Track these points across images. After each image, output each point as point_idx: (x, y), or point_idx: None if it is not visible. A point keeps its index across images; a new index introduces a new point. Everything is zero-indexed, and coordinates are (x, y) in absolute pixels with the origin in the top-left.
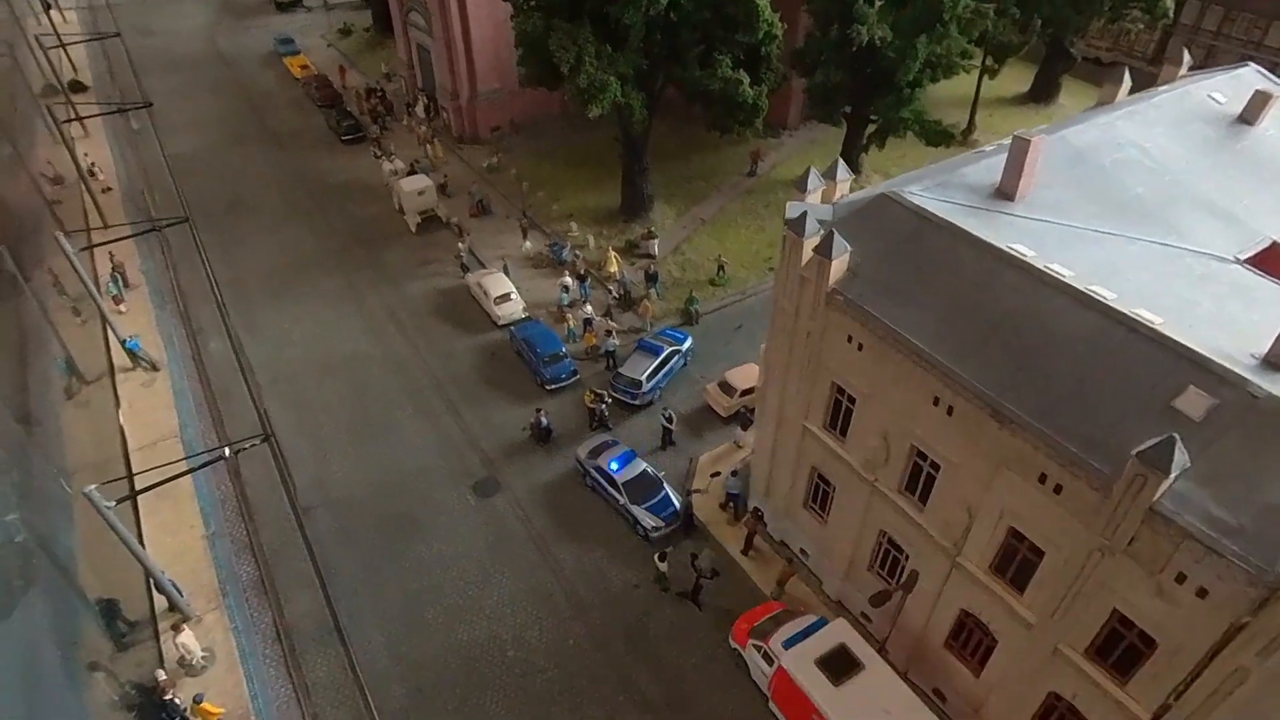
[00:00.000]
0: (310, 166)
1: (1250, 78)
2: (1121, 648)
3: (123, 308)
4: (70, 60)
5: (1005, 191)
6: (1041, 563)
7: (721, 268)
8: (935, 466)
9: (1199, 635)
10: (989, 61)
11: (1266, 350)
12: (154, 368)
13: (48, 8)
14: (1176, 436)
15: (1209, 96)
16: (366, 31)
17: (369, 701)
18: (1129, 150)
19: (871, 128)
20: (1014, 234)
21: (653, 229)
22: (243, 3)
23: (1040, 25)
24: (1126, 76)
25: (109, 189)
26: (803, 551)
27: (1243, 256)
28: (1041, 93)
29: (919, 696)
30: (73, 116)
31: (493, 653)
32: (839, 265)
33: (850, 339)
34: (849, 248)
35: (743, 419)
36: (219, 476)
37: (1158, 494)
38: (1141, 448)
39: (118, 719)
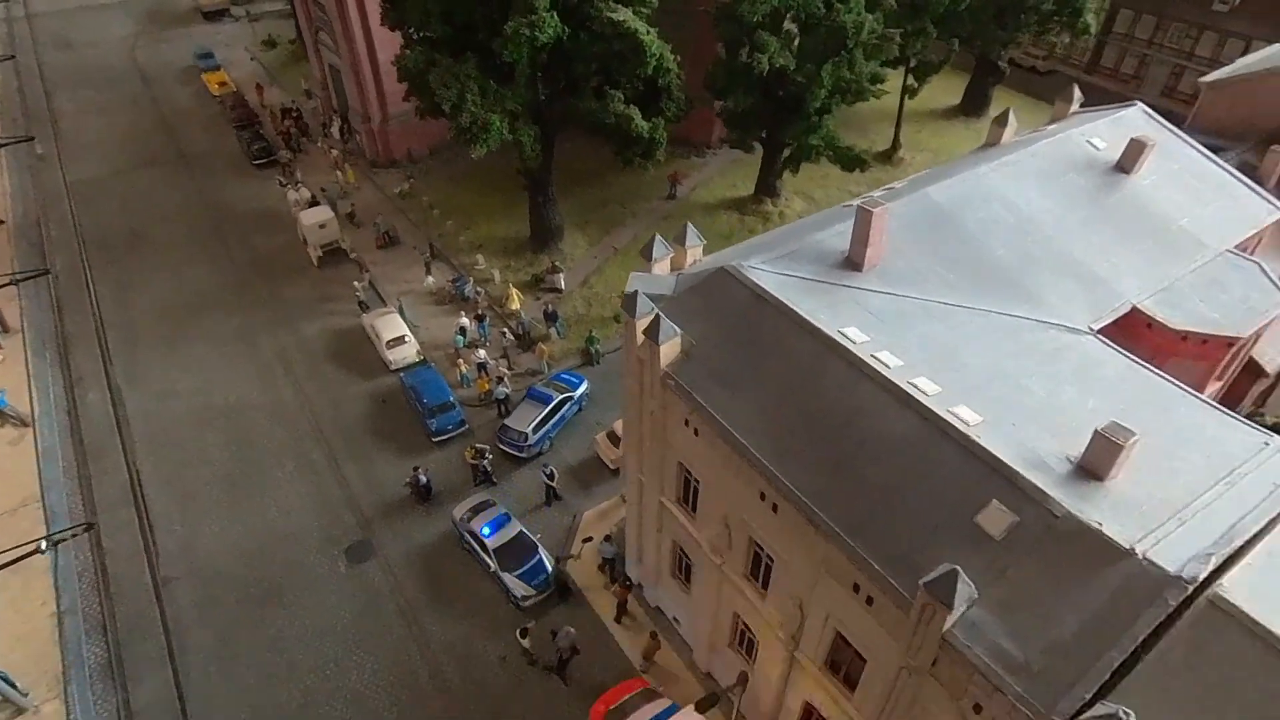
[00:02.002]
0: (218, 193)
1: (1134, 119)
2: None
3: (0, 355)
4: None
5: (854, 261)
6: (866, 669)
7: None
8: (770, 558)
9: None
10: (909, 81)
11: (1081, 455)
12: (22, 424)
13: None
14: (958, 570)
15: (1088, 142)
16: (291, 44)
17: None
18: (994, 207)
19: (786, 152)
20: (855, 313)
21: (557, 263)
22: (170, 10)
23: (958, 45)
24: (1011, 118)
25: (1, 222)
26: (675, 619)
27: (1097, 326)
28: (972, 106)
29: None
30: None
31: None
32: (669, 349)
33: (687, 423)
34: (678, 331)
35: None
36: (80, 547)
37: (947, 624)
38: (928, 578)
39: None
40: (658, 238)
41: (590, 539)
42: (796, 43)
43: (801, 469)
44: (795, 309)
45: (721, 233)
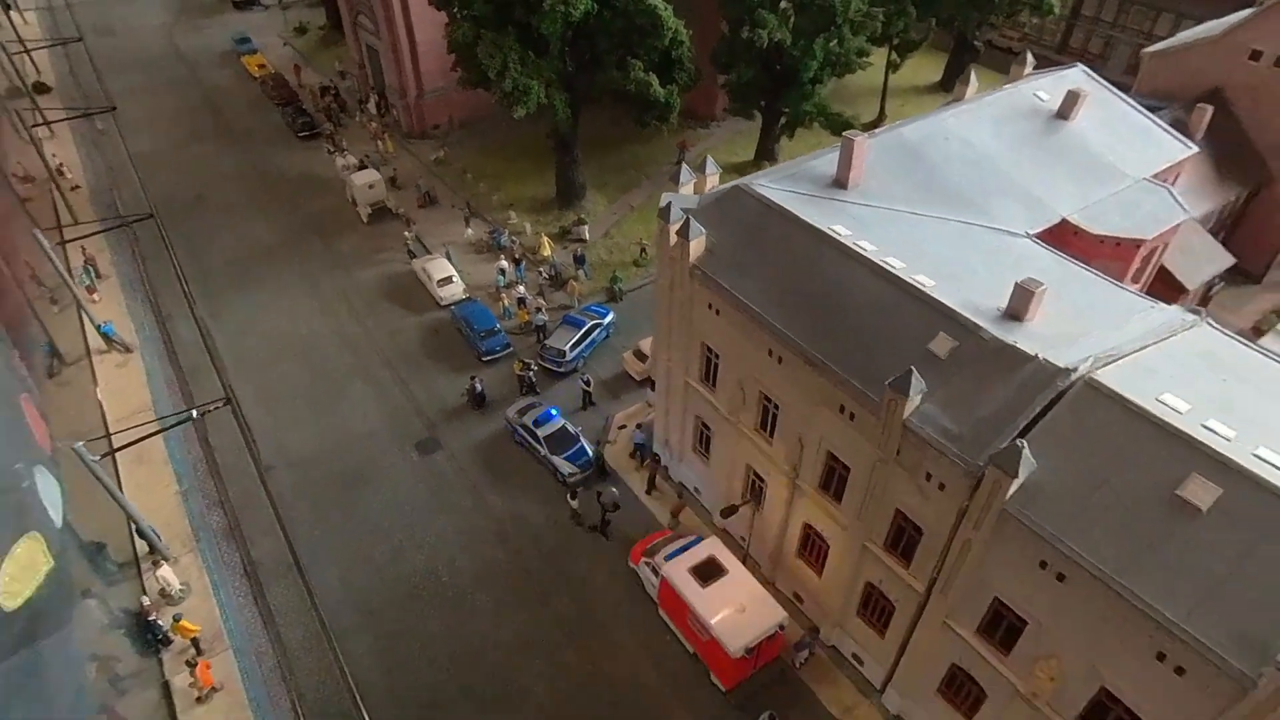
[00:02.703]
0: (267, 162)
1: (1075, 77)
2: (904, 539)
3: (96, 297)
4: (33, 62)
5: (840, 181)
6: (849, 477)
7: (644, 250)
8: (776, 406)
9: (944, 520)
10: (893, 56)
11: (1005, 305)
12: (127, 350)
13: (7, 9)
14: (913, 368)
15: (1034, 95)
16: (321, 30)
17: (324, 621)
18: (953, 144)
19: (783, 120)
20: (840, 217)
21: (583, 216)
22: (201, 1)
23: (935, 23)
24: (973, 76)
25: (77, 187)
26: (696, 490)
27: (1033, 231)
28: (951, 82)
29: (775, 597)
30: (41, 120)
31: (429, 580)
32: (696, 245)
33: (710, 306)
34: (704, 231)
35: (653, 382)
36: (190, 443)
37: (907, 412)
38: (892, 379)
39: (110, 638)
40: (684, 165)
41: (625, 426)
42: (792, 20)
43: (801, 326)
44: (795, 212)
45: None
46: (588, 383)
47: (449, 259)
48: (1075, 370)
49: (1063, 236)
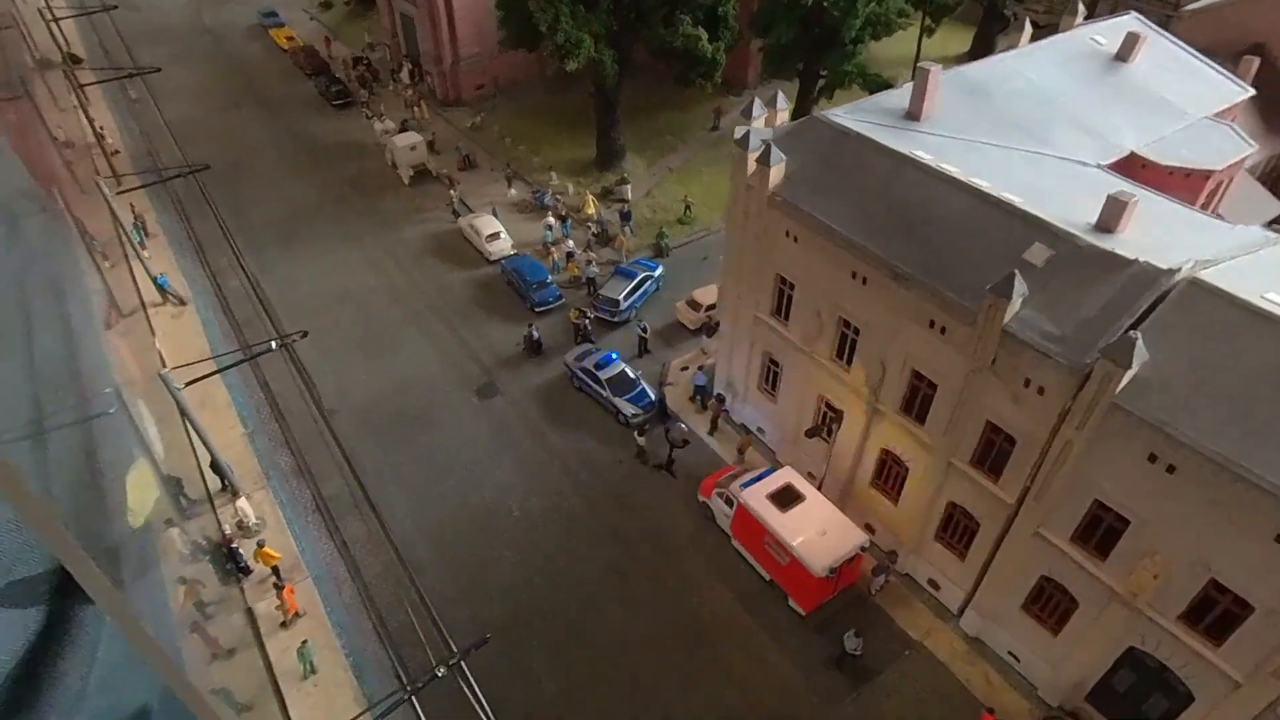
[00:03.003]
0: (304, 129)
1: (1129, 24)
2: (994, 451)
3: (146, 253)
4: (63, 34)
5: (913, 114)
6: (935, 394)
7: (688, 207)
8: (856, 332)
9: (1042, 425)
10: (927, 21)
11: (1095, 219)
12: (181, 302)
13: None
14: (1016, 271)
15: (1091, 39)
16: (347, 4)
17: (398, 551)
18: (1017, 82)
19: (821, 82)
20: (917, 146)
21: (625, 175)
22: None
23: None
24: (1028, 24)
25: (117, 152)
26: (759, 429)
27: (1103, 163)
28: (980, 52)
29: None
30: (80, 85)
31: (500, 515)
32: (776, 172)
33: (788, 234)
34: (784, 157)
35: (708, 329)
36: (251, 388)
37: (1007, 318)
38: (992, 284)
39: (194, 566)
40: (755, 99)
41: (687, 368)
42: None
43: (887, 244)
44: (873, 137)
45: None
46: (644, 329)
47: (495, 215)
48: (1179, 271)
49: (1130, 169)
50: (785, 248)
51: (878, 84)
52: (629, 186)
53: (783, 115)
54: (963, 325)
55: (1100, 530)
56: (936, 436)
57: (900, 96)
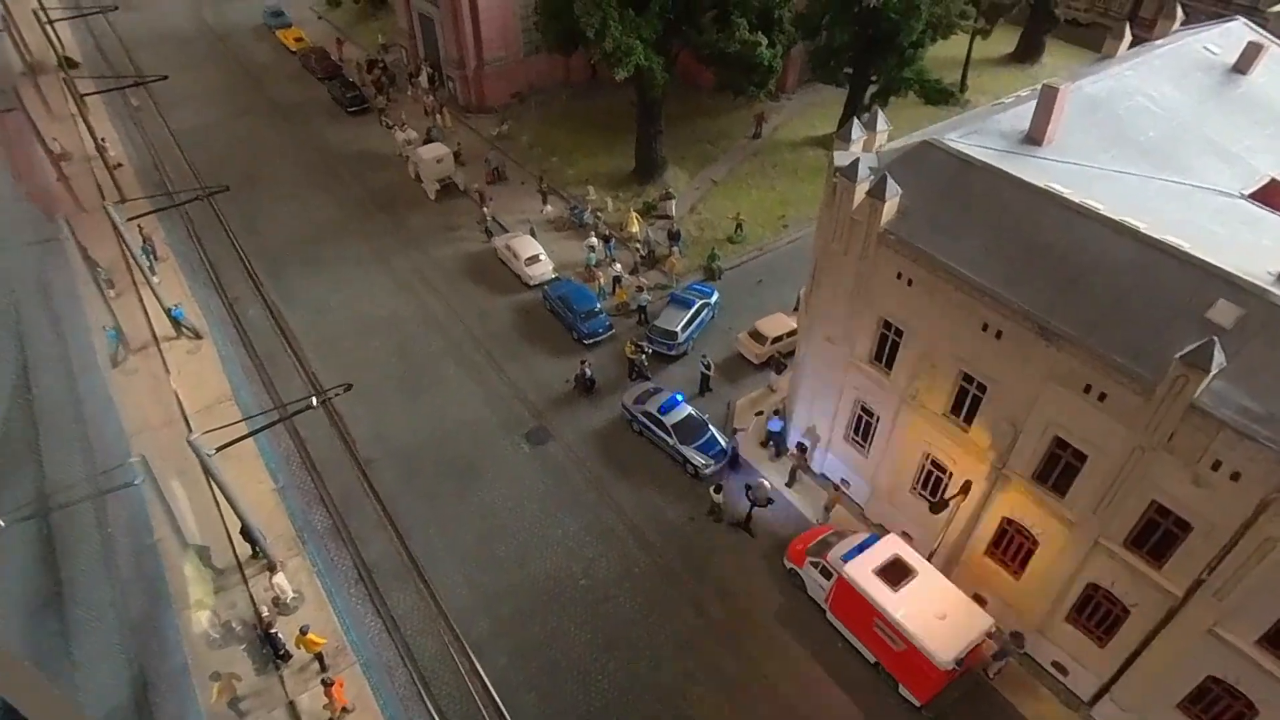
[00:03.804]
0: (319, 137)
1: (1239, 31)
2: (1157, 535)
3: (156, 279)
4: (57, 36)
5: (1034, 137)
6: (1084, 467)
7: (739, 226)
8: (981, 388)
9: (1231, 514)
10: (981, 22)
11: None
12: (197, 335)
13: None
14: (1216, 339)
15: (1204, 48)
16: (356, 3)
17: (455, 630)
18: (1138, 98)
19: (873, 88)
20: (1045, 175)
21: (670, 190)
22: None
23: None
24: (1127, 31)
25: (120, 165)
26: (843, 481)
27: (1246, 192)
28: (1026, 53)
29: None
30: (80, 94)
31: (566, 584)
32: (891, 206)
33: (900, 275)
34: (900, 190)
35: (775, 364)
36: (278, 434)
37: (1198, 391)
38: (1183, 351)
39: (224, 653)
40: (855, 119)
41: (761, 412)
42: None
43: (1031, 294)
44: (1004, 168)
45: (811, 166)
46: (708, 365)
47: (533, 235)
48: None
49: (1272, 198)
50: (895, 290)
51: (936, 90)
52: (673, 202)
53: (882, 138)
54: (1132, 395)
55: None
56: (1082, 512)
57: (1018, 117)
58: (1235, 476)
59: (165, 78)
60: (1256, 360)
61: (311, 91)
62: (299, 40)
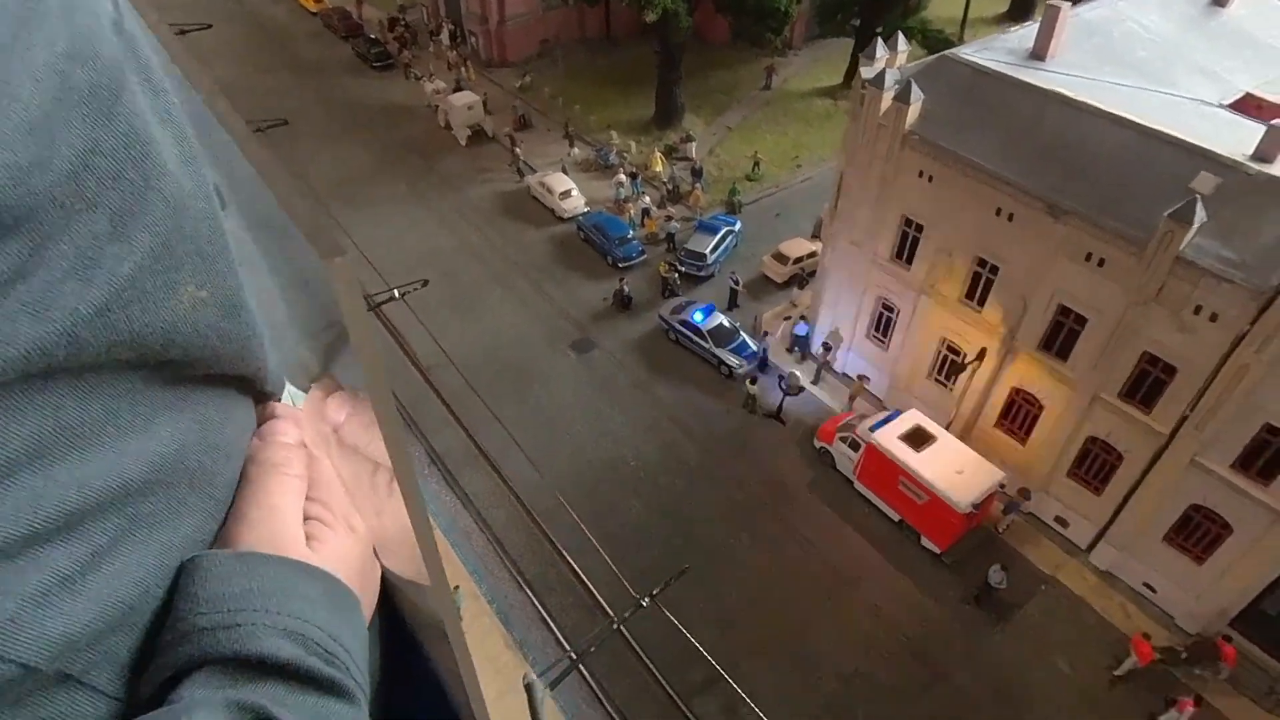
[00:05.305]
0: (346, 91)
1: None
2: (1148, 384)
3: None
4: None
5: (1038, 53)
6: (1084, 330)
7: (757, 164)
8: (994, 271)
9: (1211, 353)
10: None
11: (1254, 149)
12: None
13: None
14: (1199, 195)
15: None
16: None
17: (523, 502)
18: (1130, 24)
19: (877, 40)
20: (1050, 83)
21: (690, 133)
22: None
23: None
24: None
25: None
26: (864, 377)
27: (1225, 103)
28: (1019, 11)
29: None
30: None
31: (619, 467)
32: (914, 109)
33: (921, 174)
34: (923, 94)
35: (798, 281)
36: None
37: (1183, 244)
38: (1171, 210)
39: None
40: (877, 39)
41: (789, 317)
42: None
43: (1040, 179)
44: (1013, 75)
45: (820, 114)
46: (736, 282)
47: (565, 172)
48: None
49: (1246, 109)
50: (916, 188)
51: (938, 40)
52: (694, 145)
53: (902, 58)
54: (1127, 256)
55: (1266, 454)
56: (1082, 372)
57: (1023, 37)
58: (1214, 318)
59: (209, 26)
60: (1233, 219)
61: (334, 50)
62: (319, 1)
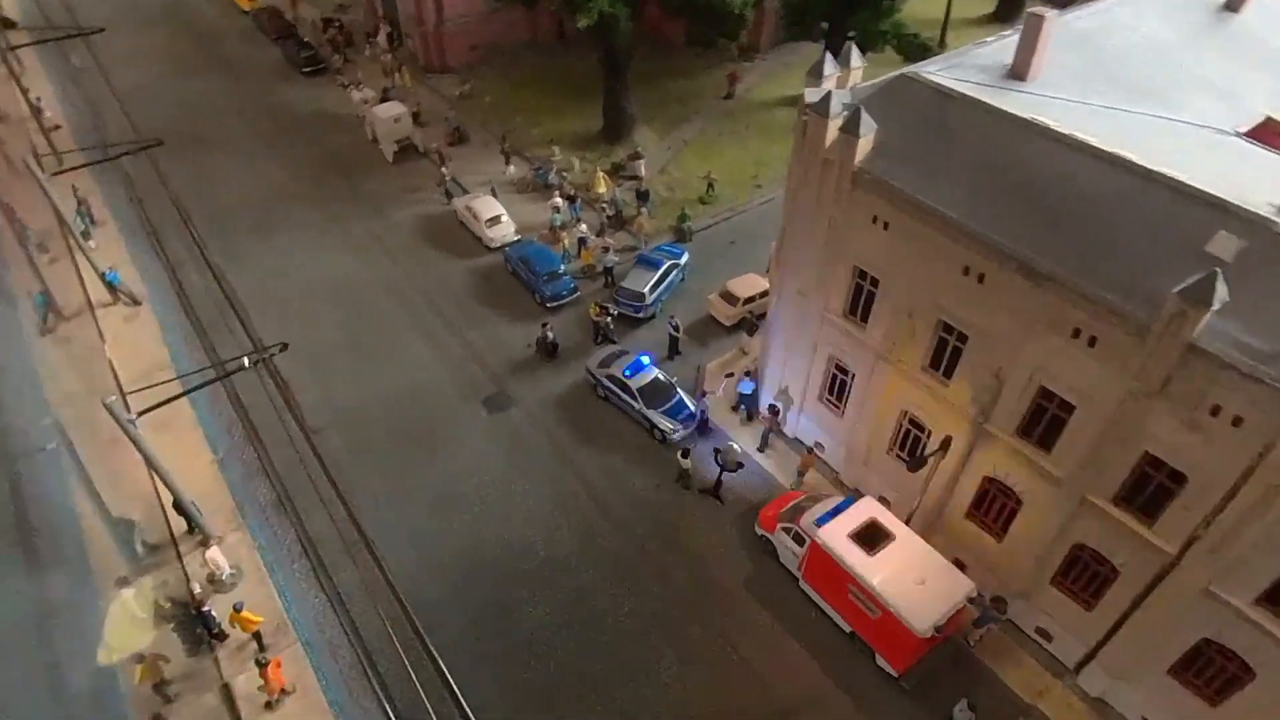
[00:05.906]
0: (272, 98)
1: None
2: (1149, 490)
3: (93, 244)
4: None
5: (1018, 71)
6: (1070, 419)
7: (711, 185)
8: (961, 339)
9: (1231, 463)
10: None
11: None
12: (135, 301)
13: None
14: (1218, 270)
15: None
16: None
17: (404, 604)
18: (1127, 35)
19: (848, 45)
20: (1030, 109)
21: (639, 150)
22: None
23: None
24: None
25: (57, 127)
26: (817, 444)
27: (1241, 130)
28: (1005, 13)
29: None
30: (11, 46)
31: (524, 555)
32: (865, 143)
33: (875, 219)
34: (875, 125)
35: (748, 326)
36: (219, 404)
37: (1197, 329)
38: (1182, 285)
39: (154, 633)
40: (826, 54)
41: (732, 374)
42: None
43: (1015, 232)
44: (986, 100)
45: (785, 126)
46: (676, 328)
47: (494, 196)
48: None
49: (1266, 136)
50: (869, 235)
51: (914, 45)
52: (643, 162)
53: (856, 75)
54: (1124, 336)
55: None
56: (1070, 468)
57: (1000, 51)
58: (1237, 422)
59: (102, 30)
60: (1259, 294)
61: (264, 52)
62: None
